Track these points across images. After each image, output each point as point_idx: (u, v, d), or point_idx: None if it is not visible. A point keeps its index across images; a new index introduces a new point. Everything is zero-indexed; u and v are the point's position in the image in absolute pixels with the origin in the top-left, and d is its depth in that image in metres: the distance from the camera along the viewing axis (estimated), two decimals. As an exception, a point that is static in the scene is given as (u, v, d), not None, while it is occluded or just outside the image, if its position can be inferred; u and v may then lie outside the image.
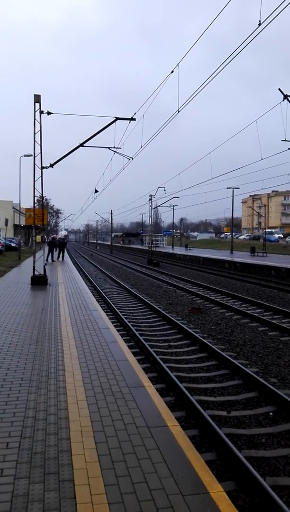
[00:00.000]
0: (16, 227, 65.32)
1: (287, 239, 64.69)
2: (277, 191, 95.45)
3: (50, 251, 27.23)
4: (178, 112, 13.78)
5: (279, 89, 17.40)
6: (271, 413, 5.99)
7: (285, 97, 17.39)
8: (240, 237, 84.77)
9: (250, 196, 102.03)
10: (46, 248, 27.63)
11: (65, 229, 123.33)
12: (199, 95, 12.47)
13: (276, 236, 67.93)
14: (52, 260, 27.26)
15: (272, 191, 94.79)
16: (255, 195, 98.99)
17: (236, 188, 46.25)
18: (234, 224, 68.87)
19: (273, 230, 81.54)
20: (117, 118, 15.99)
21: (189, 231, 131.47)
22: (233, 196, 47.16)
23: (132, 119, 16.14)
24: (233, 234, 57.25)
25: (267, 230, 63.58)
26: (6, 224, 36.96)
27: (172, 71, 13.05)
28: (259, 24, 9.13)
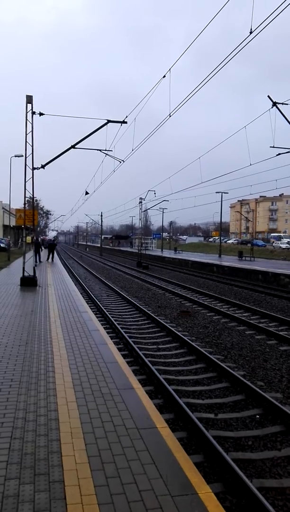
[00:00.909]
0: (5, 227, 64.76)
1: (273, 244, 65.26)
2: (265, 196, 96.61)
3: (36, 252, 26.69)
4: (170, 116, 13.90)
5: (268, 96, 17.65)
6: (257, 416, 6.08)
7: (274, 104, 17.65)
8: (228, 241, 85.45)
9: (238, 201, 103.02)
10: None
11: (56, 230, 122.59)
12: (185, 101, 12.57)
13: (285, 241, 64.08)
14: (39, 261, 26.93)
15: (260, 197, 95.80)
16: (243, 200, 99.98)
17: (225, 192, 46.77)
18: (223, 229, 69.39)
19: (281, 234, 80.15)
20: (109, 121, 16.05)
21: (178, 234, 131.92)
22: (221, 200, 47.64)
23: (124, 122, 16.22)
24: (222, 238, 57.67)
25: (273, 234, 62.37)
26: (-5, 224, 36.72)
27: (164, 76, 13.15)
28: (251, 32, 9.28)
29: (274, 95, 17.37)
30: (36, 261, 25.72)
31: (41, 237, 71.68)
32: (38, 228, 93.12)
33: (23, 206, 17.05)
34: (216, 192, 46.34)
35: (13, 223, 60.38)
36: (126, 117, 16.28)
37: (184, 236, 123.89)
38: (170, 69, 12.92)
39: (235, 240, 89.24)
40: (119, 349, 8.76)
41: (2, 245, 44.07)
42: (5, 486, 3.02)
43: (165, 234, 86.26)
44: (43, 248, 29.12)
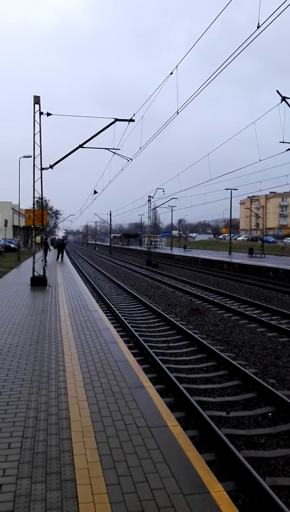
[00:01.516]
0: (15, 228, 65.28)
1: (284, 240, 64.70)
2: (275, 192, 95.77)
3: (44, 252, 26.47)
4: (177, 113, 13.83)
5: (277, 91, 17.47)
6: (270, 414, 6.02)
7: (283, 99, 17.46)
8: (238, 238, 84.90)
9: (248, 197, 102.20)
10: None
11: (65, 230, 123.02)
12: (193, 97, 12.50)
13: None
14: (45, 262, 26.37)
15: (270, 193, 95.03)
16: (253, 196, 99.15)
17: (234, 189, 46.34)
18: (233, 225, 69.02)
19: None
20: (116, 119, 16.03)
21: (187, 232, 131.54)
22: (231, 197, 47.25)
23: (131, 120, 16.19)
24: (232, 235, 57.33)
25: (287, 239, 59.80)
26: (6, 225, 36.96)
27: (171, 73, 13.10)
28: (258, 27, 9.18)
29: (280, 90, 17.14)
30: (45, 261, 25.50)
31: (51, 237, 72.11)
32: (48, 228, 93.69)
33: (32, 206, 17.13)
34: (225, 189, 46.00)
35: (22, 223, 60.83)
36: (134, 115, 16.27)
37: (193, 234, 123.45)
38: (177, 66, 12.87)
39: (245, 237, 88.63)
40: (129, 348, 8.76)
41: (12, 245, 44.43)
42: (17, 485, 3.03)
43: (174, 232, 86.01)
44: (51, 248, 28.94)
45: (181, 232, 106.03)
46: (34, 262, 15.81)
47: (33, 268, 15.64)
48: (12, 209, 64.46)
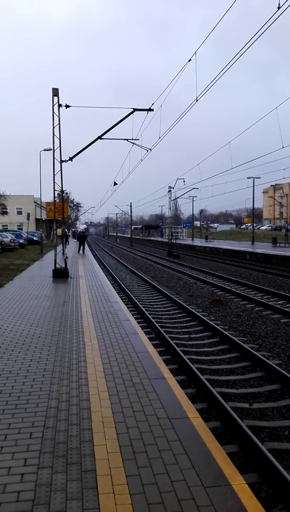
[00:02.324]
0: (38, 221, 66.22)
1: None
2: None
3: (63, 244, 25.62)
4: (197, 100, 13.58)
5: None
6: (294, 406, 5.90)
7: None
8: (262, 227, 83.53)
9: (271, 185, 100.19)
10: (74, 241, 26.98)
11: (86, 223, 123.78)
12: (212, 83, 12.21)
13: None
14: (64, 254, 25.72)
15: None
16: (276, 184, 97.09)
17: (257, 177, 45.46)
18: (255, 215, 67.87)
19: None
20: (135, 109, 15.89)
21: (209, 222, 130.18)
22: (253, 186, 46.43)
23: (150, 109, 16.02)
24: (254, 224, 56.44)
25: None
26: (28, 218, 37.50)
27: (190, 60, 12.85)
28: (278, 8, 8.85)
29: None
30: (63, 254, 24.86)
31: (72, 230, 72.73)
32: (69, 221, 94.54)
33: (53, 199, 17.25)
34: (248, 178, 45.21)
35: (44, 216, 61.61)
36: (152, 104, 16.08)
37: (215, 224, 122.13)
38: (195, 52, 12.59)
39: (268, 226, 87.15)
40: (150, 339, 8.76)
41: (35, 238, 45.09)
42: (38, 475, 3.06)
43: (196, 223, 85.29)
44: (68, 241, 28.42)
45: (203, 222, 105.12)
46: (55, 255, 15.99)
47: (55, 260, 15.81)
48: (35, 202, 65.30)
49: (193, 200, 62.85)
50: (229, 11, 9.64)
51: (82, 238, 31.42)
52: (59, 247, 22.59)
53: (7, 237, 32.69)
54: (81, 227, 46.80)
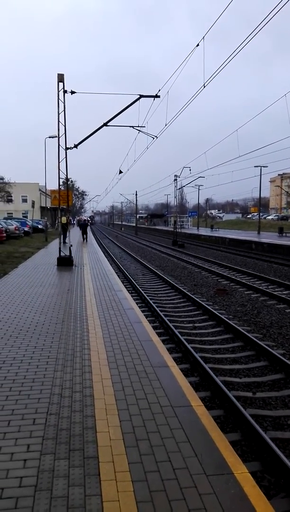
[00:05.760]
0: (42, 209, 66.18)
1: None
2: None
3: (64, 232, 24.20)
4: (204, 87, 13.34)
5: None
6: (298, 395, 5.88)
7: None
8: (268, 217, 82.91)
9: (279, 174, 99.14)
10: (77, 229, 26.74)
11: (91, 211, 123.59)
12: (220, 69, 11.96)
13: None
14: (64, 243, 23.15)
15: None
16: (284, 173, 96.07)
17: (264, 166, 44.94)
18: (262, 204, 67.29)
19: None
20: (141, 96, 15.68)
21: (219, 210, 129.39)
22: (260, 175, 45.90)
23: (157, 96, 15.80)
24: (261, 214, 55.98)
25: None
26: (33, 206, 37.49)
27: (198, 45, 12.59)
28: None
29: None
30: (64, 242, 22.97)
31: (77, 218, 72.62)
32: (75, 209, 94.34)
33: (58, 186, 17.17)
34: (255, 166, 44.69)
35: (49, 204, 61.54)
36: (159, 91, 15.86)
37: (221, 213, 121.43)
38: (203, 37, 12.33)
39: (275, 216, 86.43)
40: (154, 328, 8.76)
41: (39, 226, 45.09)
42: (41, 461, 3.07)
43: (208, 211, 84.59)
44: (70, 230, 27.67)
45: (208, 212, 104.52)
46: (60, 243, 15.98)
47: (60, 248, 15.81)
48: (40, 190, 65.17)
49: (199, 189, 62.41)
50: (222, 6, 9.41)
51: (83, 226, 31.49)
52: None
53: (12, 225, 32.71)
54: (85, 216, 46.69)
